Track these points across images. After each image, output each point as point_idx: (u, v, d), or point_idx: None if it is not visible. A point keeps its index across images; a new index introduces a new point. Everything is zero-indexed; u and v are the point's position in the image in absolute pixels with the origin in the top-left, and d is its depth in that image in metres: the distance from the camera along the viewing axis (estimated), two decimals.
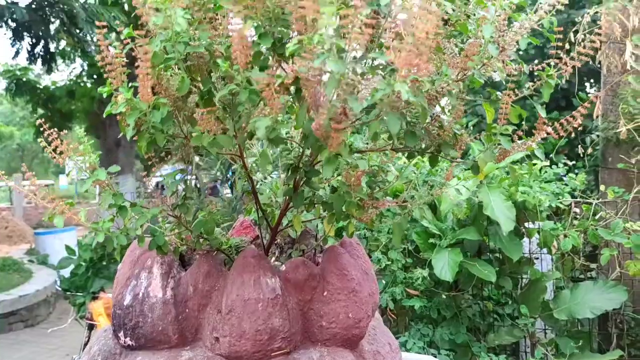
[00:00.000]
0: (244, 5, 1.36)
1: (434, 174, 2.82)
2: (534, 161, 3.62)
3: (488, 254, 3.60)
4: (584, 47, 1.51)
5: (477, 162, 1.67)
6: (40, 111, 11.73)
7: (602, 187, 3.64)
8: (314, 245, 2.05)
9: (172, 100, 1.50)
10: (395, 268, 3.36)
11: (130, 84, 1.46)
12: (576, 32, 3.78)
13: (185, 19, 1.36)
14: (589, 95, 5.57)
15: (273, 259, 2.15)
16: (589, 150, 4.08)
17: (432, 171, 3.01)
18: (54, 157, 1.51)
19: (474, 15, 1.49)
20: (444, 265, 3.21)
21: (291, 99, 1.43)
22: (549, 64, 1.56)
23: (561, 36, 1.53)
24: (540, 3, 1.51)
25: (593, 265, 3.62)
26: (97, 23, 1.38)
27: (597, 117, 4.03)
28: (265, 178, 2.16)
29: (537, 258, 3.80)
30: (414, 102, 1.25)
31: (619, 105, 3.76)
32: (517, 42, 1.49)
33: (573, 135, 1.67)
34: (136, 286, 1.64)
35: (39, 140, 1.55)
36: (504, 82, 1.60)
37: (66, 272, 6.73)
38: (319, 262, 1.84)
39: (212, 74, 1.52)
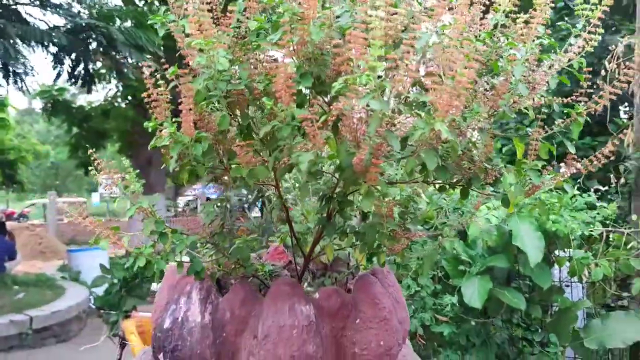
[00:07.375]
0: (287, 47, 1.44)
1: (463, 203, 2.84)
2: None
3: (518, 280, 3.59)
4: (618, 74, 1.53)
5: (507, 195, 1.71)
6: (75, 130, 12.04)
7: (634, 217, 3.61)
8: (346, 273, 2.09)
9: (213, 134, 1.58)
10: (424, 294, 3.37)
11: (173, 120, 1.55)
12: (609, 60, 3.79)
13: (227, 58, 1.44)
14: (623, 121, 5.52)
15: (305, 284, 2.20)
16: (622, 179, 4.04)
17: (461, 201, 3.03)
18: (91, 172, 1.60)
19: (504, 56, 1.54)
20: (474, 292, 3.21)
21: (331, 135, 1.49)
22: (578, 101, 1.60)
23: (596, 60, 1.56)
24: (571, 45, 1.55)
25: (625, 294, 3.57)
26: (142, 64, 1.47)
27: (628, 145, 4.01)
28: (296, 204, 2.23)
29: (568, 286, 3.77)
30: (451, 140, 1.30)
31: None
32: (547, 81, 1.54)
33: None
34: (175, 310, 1.70)
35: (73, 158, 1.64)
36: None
37: (99, 290, 6.88)
38: (351, 290, 1.89)
39: (249, 109, 1.60)
